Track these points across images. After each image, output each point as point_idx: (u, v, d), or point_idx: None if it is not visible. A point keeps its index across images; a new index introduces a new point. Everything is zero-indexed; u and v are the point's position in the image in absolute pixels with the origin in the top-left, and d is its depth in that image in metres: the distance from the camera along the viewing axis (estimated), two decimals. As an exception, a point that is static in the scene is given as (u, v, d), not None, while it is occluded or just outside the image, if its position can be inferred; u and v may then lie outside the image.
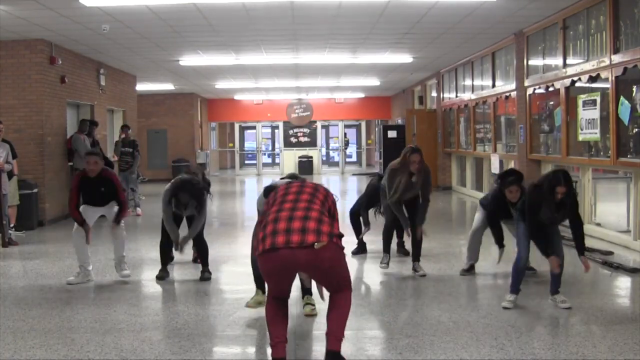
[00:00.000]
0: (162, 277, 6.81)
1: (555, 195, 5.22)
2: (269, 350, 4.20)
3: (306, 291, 5.45)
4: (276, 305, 4.01)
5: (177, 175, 7.80)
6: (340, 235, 3.92)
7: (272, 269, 3.85)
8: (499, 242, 6.44)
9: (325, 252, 3.76)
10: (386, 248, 7.04)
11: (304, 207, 3.87)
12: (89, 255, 6.77)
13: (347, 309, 3.98)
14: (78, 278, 6.68)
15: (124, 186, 11.75)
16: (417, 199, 6.82)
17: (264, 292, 5.32)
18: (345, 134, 28.36)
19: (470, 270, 6.85)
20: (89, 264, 6.75)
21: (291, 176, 6.17)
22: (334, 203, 4.12)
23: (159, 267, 6.92)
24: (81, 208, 6.71)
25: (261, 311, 5.23)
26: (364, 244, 8.11)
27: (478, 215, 6.82)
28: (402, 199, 6.75)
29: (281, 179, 6.55)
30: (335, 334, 3.87)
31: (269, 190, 5.39)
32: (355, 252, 8.00)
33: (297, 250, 3.70)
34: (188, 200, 6.56)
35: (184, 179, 6.68)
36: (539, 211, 5.33)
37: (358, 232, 8.14)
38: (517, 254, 5.54)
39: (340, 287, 3.98)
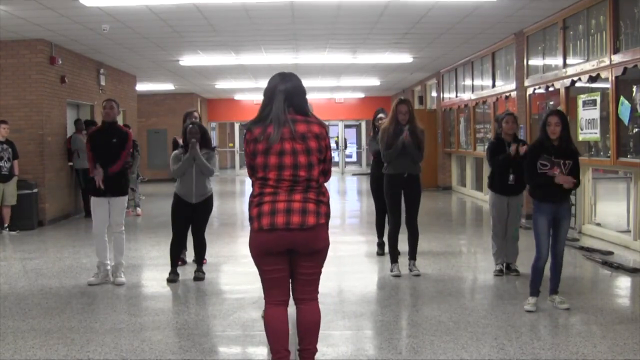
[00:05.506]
0: (174, 279, 6.61)
1: (548, 127, 5.33)
2: (261, 351, 4.17)
3: None
4: (276, 313, 3.74)
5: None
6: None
7: (266, 246, 3.66)
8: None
9: (323, 231, 3.72)
10: (394, 258, 6.86)
11: (304, 180, 3.69)
12: (108, 254, 6.66)
13: (319, 322, 3.81)
14: (98, 278, 6.59)
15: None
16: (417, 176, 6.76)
17: None
18: (345, 139, 28.35)
19: (502, 271, 6.79)
20: (107, 264, 6.65)
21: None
22: (328, 147, 3.88)
23: (159, 267, 6.94)
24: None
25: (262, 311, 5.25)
26: (384, 244, 7.77)
27: (492, 214, 6.81)
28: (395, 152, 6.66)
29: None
30: (312, 351, 3.76)
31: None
32: (379, 253, 7.83)
33: (296, 232, 3.62)
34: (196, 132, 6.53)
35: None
36: (538, 154, 5.40)
37: (381, 234, 7.87)
38: (536, 254, 5.45)
39: (313, 290, 3.80)
